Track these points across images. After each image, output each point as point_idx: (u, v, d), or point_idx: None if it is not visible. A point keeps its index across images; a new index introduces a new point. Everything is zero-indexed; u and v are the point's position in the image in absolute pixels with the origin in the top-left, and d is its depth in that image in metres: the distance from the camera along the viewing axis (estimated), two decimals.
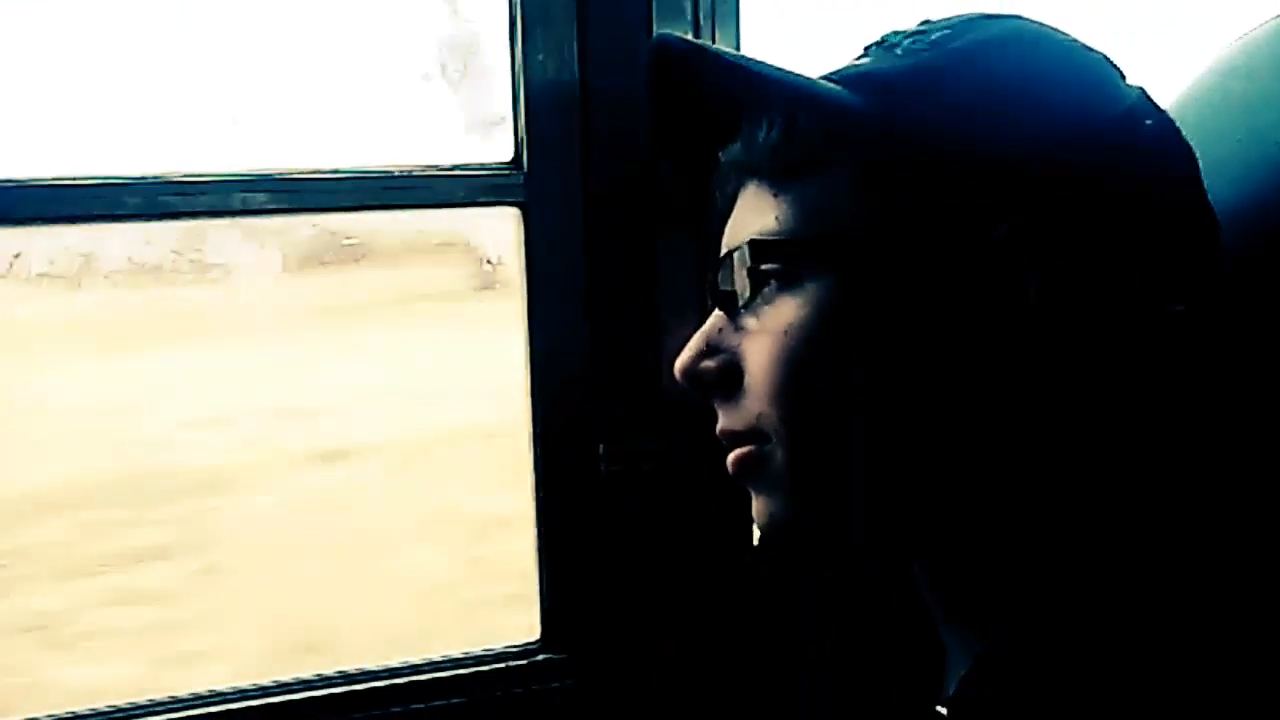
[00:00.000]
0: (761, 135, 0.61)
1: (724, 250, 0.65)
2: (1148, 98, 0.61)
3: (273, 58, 0.98)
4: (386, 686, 0.94)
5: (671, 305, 0.98)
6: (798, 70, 0.60)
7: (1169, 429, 0.59)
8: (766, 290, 0.61)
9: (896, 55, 0.61)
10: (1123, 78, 0.62)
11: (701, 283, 0.95)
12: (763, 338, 0.61)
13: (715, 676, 1.02)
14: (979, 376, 0.57)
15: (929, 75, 0.59)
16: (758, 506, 0.64)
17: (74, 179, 0.85)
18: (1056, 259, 0.56)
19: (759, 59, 0.61)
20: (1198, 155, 0.61)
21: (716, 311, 0.65)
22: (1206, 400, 0.60)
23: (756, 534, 0.67)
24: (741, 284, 0.62)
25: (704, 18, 0.96)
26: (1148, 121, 0.60)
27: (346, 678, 0.93)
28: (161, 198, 0.86)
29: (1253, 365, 0.64)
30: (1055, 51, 0.61)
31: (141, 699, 0.87)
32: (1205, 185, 0.60)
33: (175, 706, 0.87)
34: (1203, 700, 0.51)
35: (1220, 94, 0.74)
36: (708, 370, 0.64)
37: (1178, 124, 0.61)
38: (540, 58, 0.93)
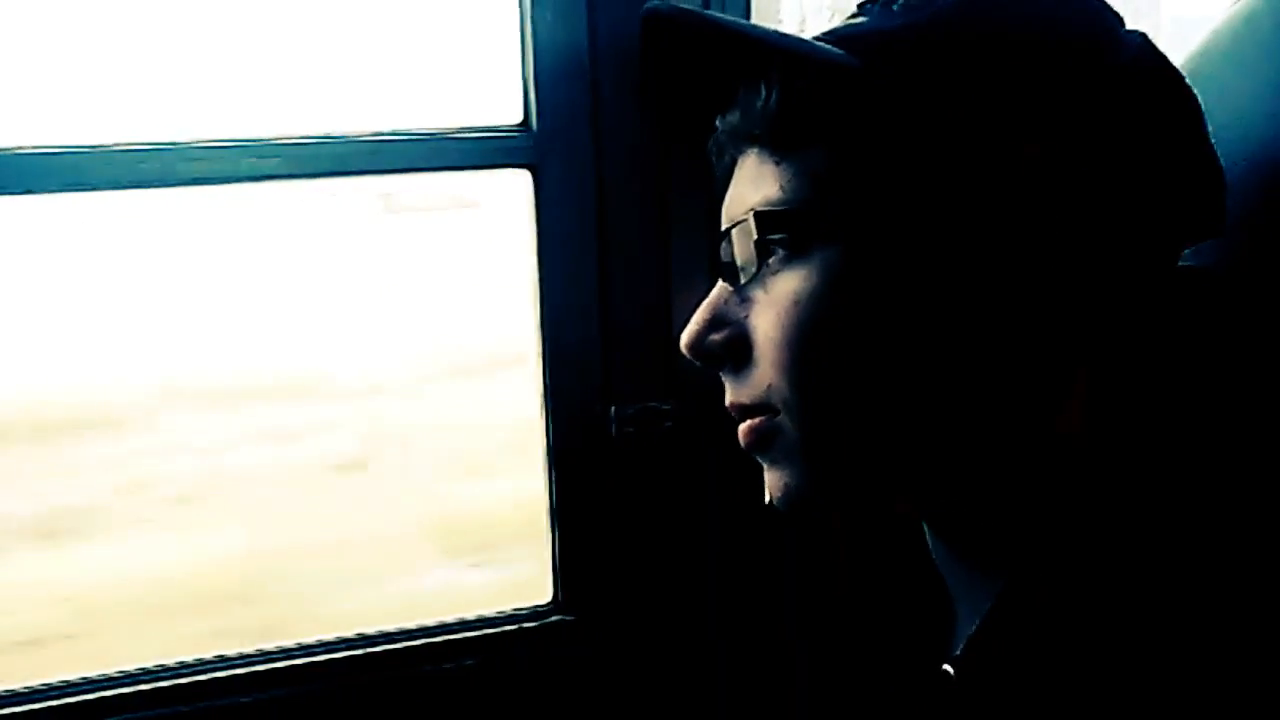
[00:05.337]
0: (759, 102, 0.60)
1: (726, 222, 0.64)
2: (1149, 45, 0.60)
3: (279, 22, 0.97)
4: (397, 648, 0.94)
5: (683, 266, 0.97)
6: (794, 33, 0.59)
7: (1174, 384, 0.59)
8: (772, 261, 0.60)
9: (893, 12, 0.59)
10: (1122, 25, 0.60)
11: (712, 242, 0.94)
12: (771, 309, 0.60)
13: (726, 639, 1.03)
14: (990, 337, 0.57)
15: (928, 32, 0.58)
16: (771, 478, 0.64)
17: (85, 147, 0.85)
18: (1061, 214, 0.55)
19: (755, 23, 0.60)
20: (1213, 107, 0.59)
21: (720, 283, 0.64)
22: (1214, 348, 0.60)
23: (768, 498, 0.67)
24: (747, 256, 0.61)
25: None
26: (1149, 70, 0.59)
27: (358, 640, 0.94)
28: (173, 164, 0.85)
29: (1256, 317, 0.63)
30: (1053, 2, 0.60)
31: (151, 663, 0.88)
32: (1213, 137, 0.59)
33: (186, 671, 0.89)
34: (1206, 675, 0.51)
35: (1235, 48, 0.72)
36: (715, 344, 0.63)
37: (1187, 76, 0.60)
38: (549, 16, 0.92)
